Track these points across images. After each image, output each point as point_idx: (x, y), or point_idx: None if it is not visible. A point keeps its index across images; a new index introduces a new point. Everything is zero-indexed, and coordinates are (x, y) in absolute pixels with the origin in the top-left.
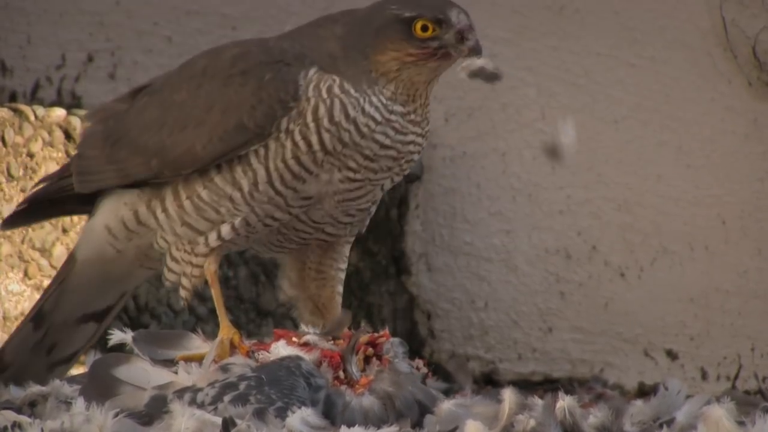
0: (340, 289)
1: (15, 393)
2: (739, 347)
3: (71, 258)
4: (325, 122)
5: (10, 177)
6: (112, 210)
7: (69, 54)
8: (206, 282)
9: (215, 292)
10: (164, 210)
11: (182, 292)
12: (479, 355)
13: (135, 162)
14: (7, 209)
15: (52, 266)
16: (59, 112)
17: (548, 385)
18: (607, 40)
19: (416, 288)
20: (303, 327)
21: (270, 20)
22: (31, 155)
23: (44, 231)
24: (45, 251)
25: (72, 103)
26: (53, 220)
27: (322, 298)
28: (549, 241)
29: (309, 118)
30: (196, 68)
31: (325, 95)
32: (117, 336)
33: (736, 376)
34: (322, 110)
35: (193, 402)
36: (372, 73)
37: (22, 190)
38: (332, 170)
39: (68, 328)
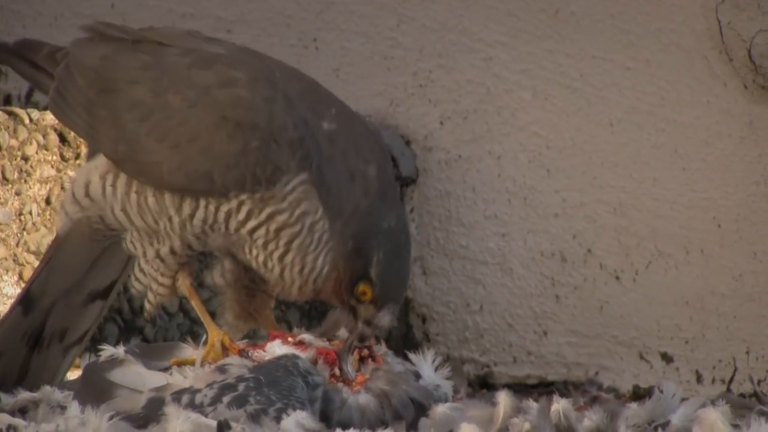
0: (272, 303)
1: (5, 399)
2: (735, 350)
3: (56, 236)
4: (273, 228)
5: (5, 180)
6: (78, 176)
7: None
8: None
9: (195, 304)
10: (113, 185)
11: (146, 305)
12: (474, 359)
13: (107, 134)
14: (2, 213)
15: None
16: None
17: (543, 389)
18: (602, 43)
19: (411, 291)
20: (296, 328)
21: (265, 23)
22: (25, 158)
23: (39, 234)
24: (40, 254)
25: None
26: (48, 224)
27: (252, 306)
28: (544, 244)
29: (264, 214)
30: (201, 78)
31: (295, 217)
32: (108, 351)
33: (731, 379)
34: (281, 220)
35: (191, 403)
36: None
37: (17, 194)
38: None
39: (76, 312)
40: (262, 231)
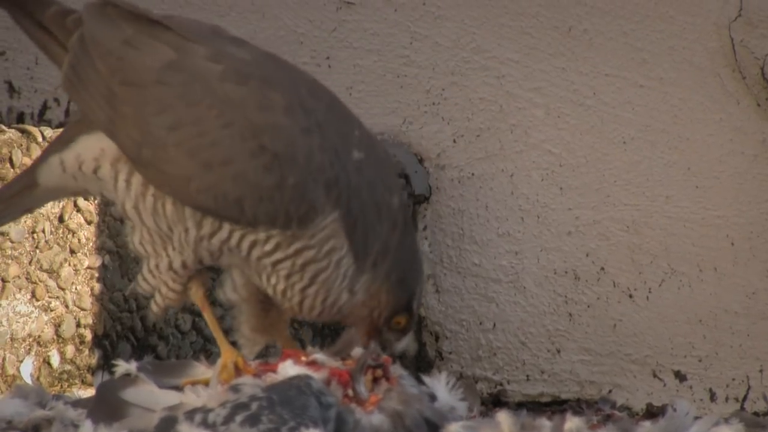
0: (287, 316)
1: (18, 417)
2: (748, 369)
3: (33, 181)
4: (298, 264)
5: None
6: (80, 147)
7: None
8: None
9: (208, 317)
10: (127, 181)
11: (154, 308)
12: (487, 377)
13: (129, 133)
14: (15, 230)
15: (59, 287)
16: None
17: (556, 407)
18: (615, 60)
19: (424, 309)
20: (310, 347)
21: (278, 41)
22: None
23: (52, 252)
24: (53, 272)
25: None
26: (61, 242)
27: (268, 320)
28: (557, 262)
29: (293, 249)
30: (236, 94)
31: (323, 253)
32: (122, 367)
33: (745, 398)
34: (309, 256)
35: (204, 422)
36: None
37: (28, 210)
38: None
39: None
40: (287, 263)
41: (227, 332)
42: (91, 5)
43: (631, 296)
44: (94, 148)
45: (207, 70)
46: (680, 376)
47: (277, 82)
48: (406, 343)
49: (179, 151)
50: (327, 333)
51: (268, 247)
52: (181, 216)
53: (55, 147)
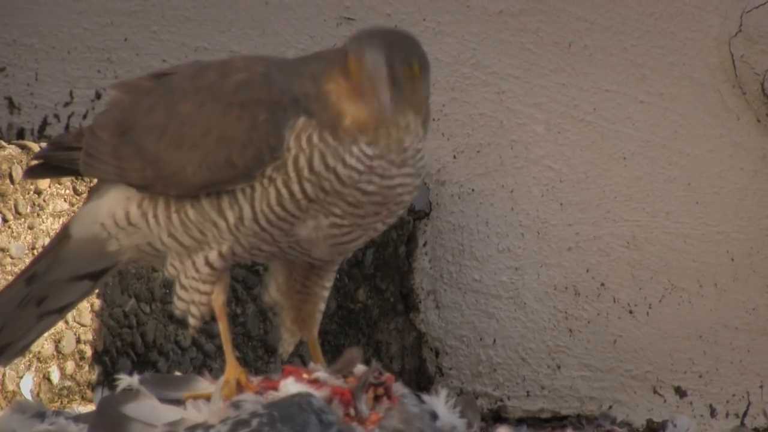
0: (323, 306)
1: (21, 430)
2: (748, 384)
3: (66, 232)
4: (306, 172)
5: (18, 214)
6: (108, 202)
7: (77, 91)
8: (213, 317)
9: (222, 326)
10: (155, 216)
11: (191, 321)
12: (488, 393)
13: (134, 165)
14: (15, 246)
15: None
16: None
17: (557, 423)
18: (615, 76)
19: (424, 325)
20: (312, 364)
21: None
22: (38, 192)
23: None
24: None
25: None
26: None
27: (303, 313)
28: (557, 278)
29: (290, 168)
30: (204, 80)
31: (304, 145)
32: (124, 381)
33: (745, 414)
34: (302, 160)
35: None
36: (330, 109)
37: (30, 227)
38: (318, 216)
39: (61, 285)
40: (296, 183)
41: (237, 347)
42: (107, 104)
43: (631, 312)
44: (120, 199)
45: (182, 79)
46: (680, 392)
47: (240, 56)
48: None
49: (168, 151)
50: (328, 349)
51: (279, 183)
52: (203, 213)
53: (85, 203)
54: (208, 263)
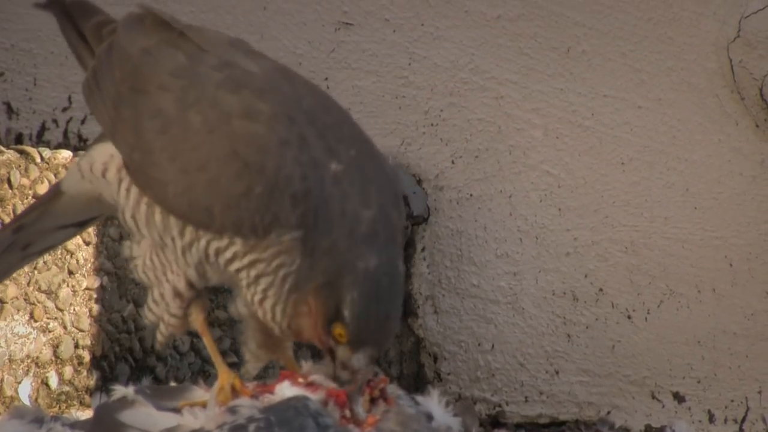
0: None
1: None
2: (747, 390)
3: (57, 189)
4: (261, 288)
5: None
6: (95, 151)
7: (75, 96)
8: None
9: (207, 341)
10: (127, 190)
11: (158, 337)
12: (486, 398)
13: (126, 137)
14: None
15: (58, 308)
16: (65, 154)
17: (555, 428)
18: (614, 81)
19: (423, 330)
20: (305, 363)
21: None
22: (37, 197)
23: (50, 273)
24: (51, 293)
25: (78, 145)
26: (59, 263)
27: (274, 338)
28: (556, 283)
29: (246, 259)
30: (227, 101)
31: (272, 267)
32: (120, 391)
33: (744, 419)
34: (259, 268)
35: None
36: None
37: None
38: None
39: (47, 232)
40: (243, 274)
41: (225, 354)
42: (129, 15)
43: (629, 317)
44: (105, 153)
45: (207, 77)
46: (679, 398)
47: (272, 93)
48: (363, 363)
49: (163, 155)
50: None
51: (228, 254)
52: (167, 224)
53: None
54: (174, 293)
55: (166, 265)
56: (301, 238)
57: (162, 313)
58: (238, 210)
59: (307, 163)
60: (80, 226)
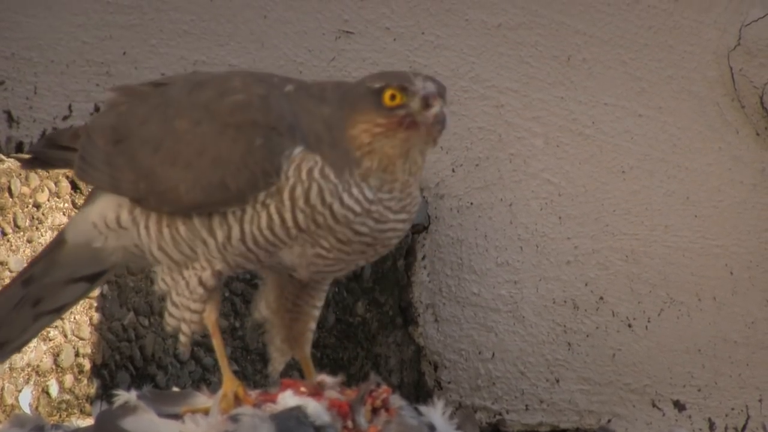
0: (313, 325)
1: None
2: (747, 398)
3: (61, 237)
4: (301, 203)
5: (17, 227)
6: (101, 205)
7: (76, 104)
8: (207, 332)
9: (217, 342)
10: (146, 227)
11: (182, 338)
12: (486, 406)
13: (127, 177)
14: (14, 260)
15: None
16: None
17: None
18: (614, 90)
19: (423, 339)
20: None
21: (277, 70)
22: (37, 206)
23: None
24: None
25: None
26: None
27: (293, 331)
28: (556, 291)
29: (286, 196)
30: (201, 97)
31: (304, 177)
32: (122, 397)
33: (744, 428)
34: (299, 191)
35: None
36: (351, 153)
37: (29, 241)
38: (305, 245)
39: (57, 287)
40: (289, 213)
41: (236, 360)
42: (103, 105)
43: (630, 326)
44: (112, 204)
45: (178, 93)
46: (679, 406)
47: (240, 74)
48: (425, 81)
49: (163, 167)
50: (326, 363)
51: (265, 217)
52: (194, 230)
53: (80, 208)
54: (201, 283)
55: (183, 266)
56: (305, 146)
57: (183, 313)
58: (247, 169)
59: (286, 100)
60: (90, 281)
